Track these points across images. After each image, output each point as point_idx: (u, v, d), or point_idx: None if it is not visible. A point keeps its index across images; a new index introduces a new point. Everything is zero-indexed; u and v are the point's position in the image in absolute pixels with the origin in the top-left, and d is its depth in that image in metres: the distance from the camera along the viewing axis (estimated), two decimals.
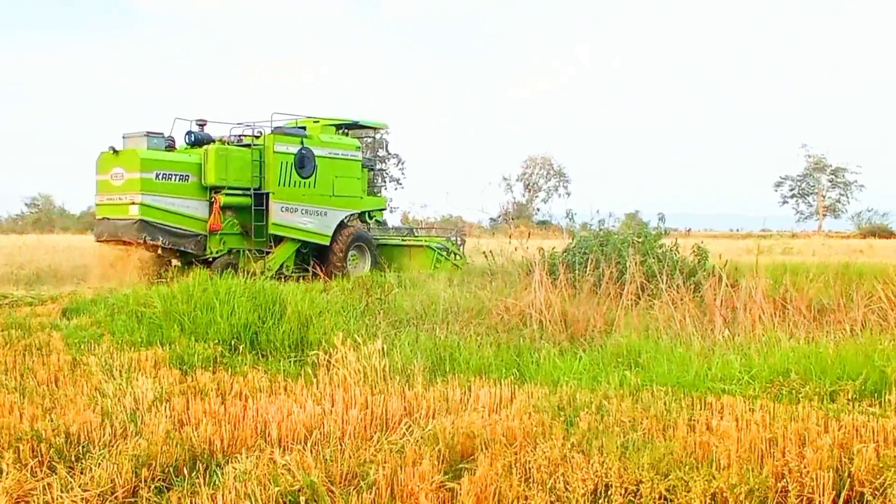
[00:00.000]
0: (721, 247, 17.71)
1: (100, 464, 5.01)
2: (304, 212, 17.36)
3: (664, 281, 10.28)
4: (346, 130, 19.32)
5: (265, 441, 5.58)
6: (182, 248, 16.02)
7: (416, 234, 21.56)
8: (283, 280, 16.00)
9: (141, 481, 4.89)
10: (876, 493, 4.81)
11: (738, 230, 64.35)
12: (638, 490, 4.75)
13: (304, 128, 18.46)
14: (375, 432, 5.76)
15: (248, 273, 16.04)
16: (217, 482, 4.86)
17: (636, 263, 10.78)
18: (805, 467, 4.96)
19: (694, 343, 8.40)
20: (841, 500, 4.81)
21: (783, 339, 8.48)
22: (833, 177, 76.32)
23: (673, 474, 4.83)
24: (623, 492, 4.73)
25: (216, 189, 16.32)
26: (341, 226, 18.24)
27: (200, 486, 4.78)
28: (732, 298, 9.81)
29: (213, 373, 7.58)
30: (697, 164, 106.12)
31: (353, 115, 19.52)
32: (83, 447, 5.40)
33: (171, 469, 5.12)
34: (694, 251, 13.19)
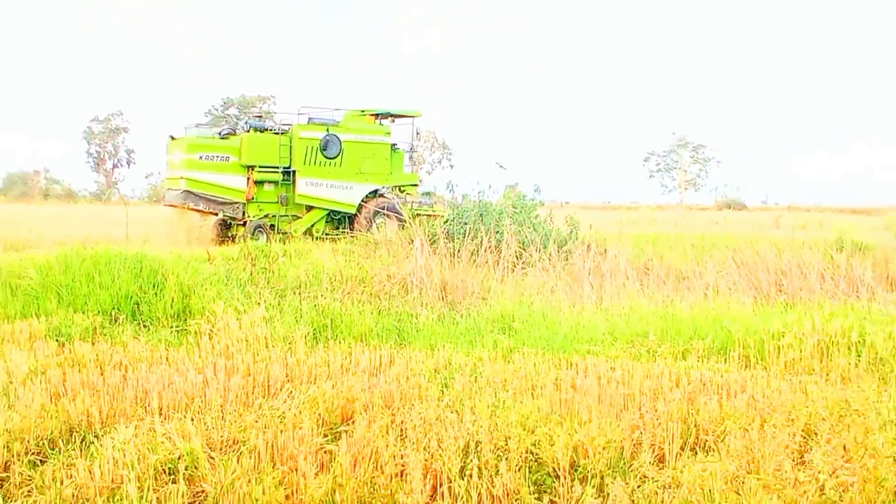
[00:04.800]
0: (593, 218, 18.79)
1: None
2: (329, 186, 21.16)
3: (538, 250, 10.79)
4: (392, 118, 22.93)
5: (145, 411, 5.58)
6: (224, 213, 19.94)
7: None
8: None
9: (13, 456, 4.81)
10: (718, 440, 5.35)
11: (609, 203, 68.66)
12: (507, 445, 5.09)
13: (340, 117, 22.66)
14: (257, 398, 5.87)
15: (281, 233, 19.90)
16: (94, 453, 4.83)
17: (512, 233, 11.19)
18: (658, 419, 5.45)
19: (564, 308, 8.92)
20: (688, 447, 5.33)
21: (644, 303, 9.13)
22: (694, 153, 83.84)
23: (539, 430, 5.21)
24: (493, 447, 5.05)
25: (251, 167, 20.30)
26: (370, 197, 21.68)
27: (77, 458, 4.74)
28: (600, 266, 10.46)
29: (93, 344, 7.42)
30: (577, 138, 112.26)
31: (390, 107, 23.37)
32: None
33: (46, 442, 5.06)
34: (567, 222, 13.95)
